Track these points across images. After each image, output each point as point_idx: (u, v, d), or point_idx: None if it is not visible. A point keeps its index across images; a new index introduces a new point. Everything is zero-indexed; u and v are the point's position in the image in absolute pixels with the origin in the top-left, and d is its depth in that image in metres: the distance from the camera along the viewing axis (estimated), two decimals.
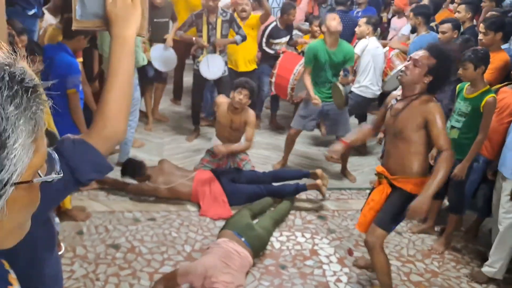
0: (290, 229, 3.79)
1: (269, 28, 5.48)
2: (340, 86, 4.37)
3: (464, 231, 3.94)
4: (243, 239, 3.23)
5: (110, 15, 1.13)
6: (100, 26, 1.18)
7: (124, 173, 4.01)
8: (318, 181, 4.14)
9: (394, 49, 5.35)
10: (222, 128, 4.30)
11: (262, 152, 5.06)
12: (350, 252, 3.55)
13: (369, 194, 3.03)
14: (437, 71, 2.63)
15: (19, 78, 0.58)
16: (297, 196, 4.27)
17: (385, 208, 2.80)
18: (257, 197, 4.00)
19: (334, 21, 4.29)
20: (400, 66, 4.75)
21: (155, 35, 5.11)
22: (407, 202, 2.67)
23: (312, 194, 4.39)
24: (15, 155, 0.57)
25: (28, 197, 0.66)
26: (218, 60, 4.97)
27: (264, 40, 5.52)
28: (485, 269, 3.34)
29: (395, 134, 2.75)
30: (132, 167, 4.00)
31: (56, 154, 0.70)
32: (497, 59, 3.86)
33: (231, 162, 4.32)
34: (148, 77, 5.24)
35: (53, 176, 0.68)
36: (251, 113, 4.19)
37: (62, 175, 0.70)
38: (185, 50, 5.79)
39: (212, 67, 4.95)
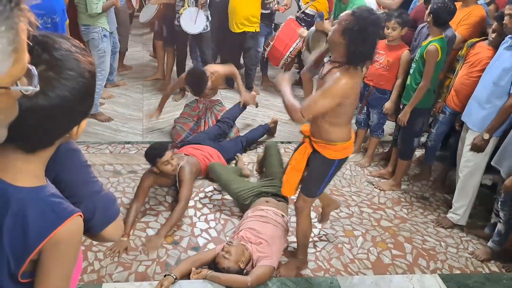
0: None
1: None
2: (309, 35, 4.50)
3: (433, 180, 4.16)
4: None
5: None
6: None
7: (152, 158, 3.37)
8: (274, 118, 4.74)
9: None
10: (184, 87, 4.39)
11: (250, 110, 5.06)
12: None
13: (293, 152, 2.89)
14: (352, 32, 2.26)
15: None
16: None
17: (308, 175, 2.73)
18: (240, 151, 4.23)
19: None
20: None
21: None
22: (328, 168, 2.62)
23: (290, 147, 4.53)
24: None
25: (5, 103, 0.71)
26: (199, 14, 4.88)
27: None
28: (450, 215, 3.57)
29: None
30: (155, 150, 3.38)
31: (35, 70, 0.75)
32: (473, 15, 3.95)
33: (210, 114, 4.40)
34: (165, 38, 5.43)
35: (30, 88, 0.73)
36: (217, 68, 4.43)
37: (38, 88, 0.75)
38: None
39: (192, 21, 4.85)
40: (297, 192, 2.85)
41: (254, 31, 5.29)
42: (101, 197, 1.27)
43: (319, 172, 2.66)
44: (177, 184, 3.48)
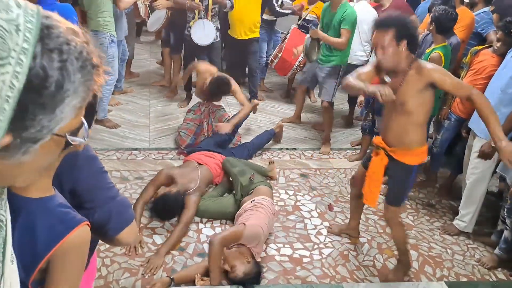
0: (274, 187, 3.94)
1: None
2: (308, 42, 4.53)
3: (438, 187, 4.16)
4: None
5: None
6: None
7: (165, 215, 3.34)
8: (279, 123, 4.80)
9: None
10: (203, 90, 4.40)
11: (256, 117, 5.10)
12: (330, 208, 3.74)
13: (364, 162, 3.02)
14: (403, 33, 2.52)
15: (90, 57, 0.72)
16: (281, 157, 4.47)
17: (391, 187, 2.85)
18: (246, 157, 4.26)
19: None
20: None
21: None
22: (408, 174, 2.75)
23: (295, 154, 4.55)
24: (66, 112, 0.70)
25: (54, 148, 0.78)
26: (209, 26, 4.93)
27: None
28: (456, 222, 3.56)
29: (396, 108, 2.66)
30: (171, 205, 3.29)
31: (87, 124, 0.84)
32: (464, 17, 4.03)
33: (213, 118, 4.43)
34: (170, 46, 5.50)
35: (80, 139, 0.82)
36: (232, 82, 4.35)
37: (87, 141, 0.84)
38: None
39: (203, 32, 4.92)
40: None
41: (258, 36, 5.41)
42: (117, 202, 1.31)
43: (401, 180, 2.80)
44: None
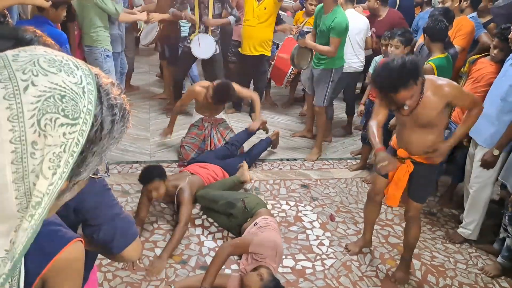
0: (275, 198, 3.95)
1: None
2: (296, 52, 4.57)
3: (440, 196, 4.15)
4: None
5: None
6: None
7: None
8: (276, 131, 4.77)
9: None
10: (202, 106, 4.42)
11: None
12: (332, 218, 3.74)
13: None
14: (417, 77, 2.51)
15: (126, 106, 0.79)
16: (282, 168, 4.48)
17: (419, 184, 2.87)
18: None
19: None
20: None
21: None
22: (435, 170, 2.90)
23: (296, 164, 4.55)
24: (107, 155, 0.77)
25: (83, 185, 0.83)
26: (209, 40, 4.98)
27: None
28: (461, 230, 3.57)
29: (419, 125, 2.71)
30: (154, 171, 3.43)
31: (107, 164, 0.85)
32: (464, 25, 4.09)
33: (215, 133, 4.44)
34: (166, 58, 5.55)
35: (104, 175, 0.89)
36: (239, 89, 4.41)
37: (109, 176, 0.92)
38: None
39: (203, 46, 4.95)
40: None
41: (269, 55, 5.40)
42: (121, 220, 1.32)
43: (429, 180, 2.94)
44: (175, 205, 3.51)
